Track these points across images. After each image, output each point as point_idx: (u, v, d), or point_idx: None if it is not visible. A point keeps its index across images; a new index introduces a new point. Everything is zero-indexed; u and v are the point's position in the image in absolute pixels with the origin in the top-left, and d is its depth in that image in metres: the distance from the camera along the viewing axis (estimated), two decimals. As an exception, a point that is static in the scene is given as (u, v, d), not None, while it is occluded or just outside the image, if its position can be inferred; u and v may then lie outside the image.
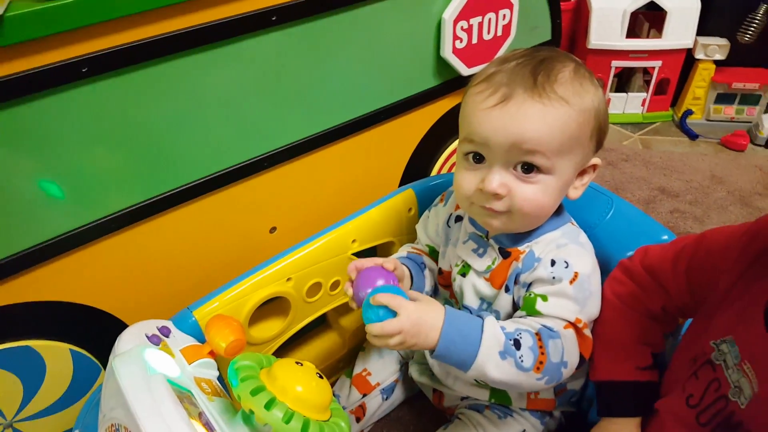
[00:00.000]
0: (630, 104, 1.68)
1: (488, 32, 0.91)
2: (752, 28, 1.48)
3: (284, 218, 0.89)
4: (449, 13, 0.86)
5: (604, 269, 0.70)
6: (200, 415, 0.53)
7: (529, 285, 0.66)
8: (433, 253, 0.82)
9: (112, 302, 0.76)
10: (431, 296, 0.77)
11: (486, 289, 0.70)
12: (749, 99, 1.64)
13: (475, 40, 0.90)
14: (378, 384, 0.88)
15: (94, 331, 0.76)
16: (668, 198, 1.38)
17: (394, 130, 0.95)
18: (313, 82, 0.82)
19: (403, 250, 0.84)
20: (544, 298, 0.64)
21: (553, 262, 0.65)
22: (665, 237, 0.74)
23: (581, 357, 0.65)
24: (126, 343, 0.59)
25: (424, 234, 0.83)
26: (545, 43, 1.04)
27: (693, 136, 1.62)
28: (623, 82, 1.71)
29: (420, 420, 0.89)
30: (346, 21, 0.80)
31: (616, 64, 1.60)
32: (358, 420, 0.85)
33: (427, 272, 0.80)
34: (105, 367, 0.78)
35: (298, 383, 0.56)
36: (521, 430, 0.75)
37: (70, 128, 0.64)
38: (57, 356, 0.73)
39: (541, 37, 1.04)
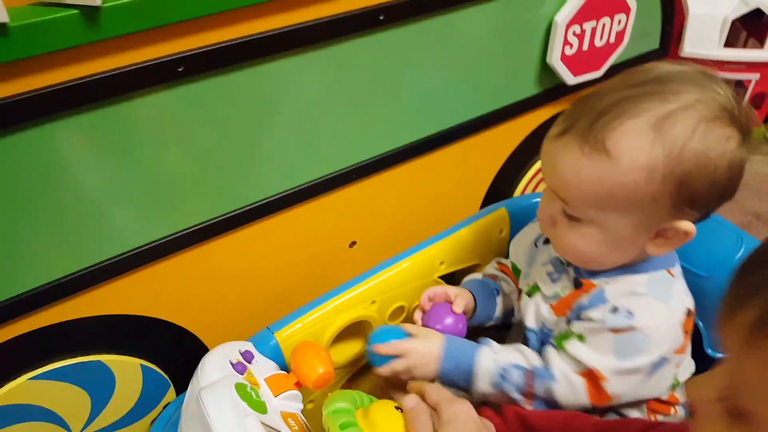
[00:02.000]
0: (718, 118, 1.57)
1: (600, 38, 0.83)
2: None
3: (365, 233, 0.84)
4: (563, 16, 0.78)
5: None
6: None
7: (580, 320, 0.60)
8: (515, 271, 0.75)
9: (186, 317, 0.72)
10: (503, 320, 0.75)
11: (547, 314, 0.64)
12: None
13: (585, 47, 0.82)
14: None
15: (166, 346, 0.72)
16: (764, 224, 1.27)
17: (482, 144, 0.88)
18: (407, 90, 0.75)
19: (487, 269, 0.79)
20: (581, 338, 0.58)
21: (615, 309, 0.57)
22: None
23: (593, 405, 0.58)
24: (210, 369, 0.54)
25: (514, 250, 0.76)
26: (653, 52, 0.95)
27: (787, 157, 1.50)
28: (711, 94, 1.60)
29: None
30: (447, 22, 0.73)
31: (708, 75, 1.49)
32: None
33: (499, 298, 0.75)
34: (173, 382, 0.74)
35: (395, 428, 0.51)
36: None
37: (155, 132, 0.59)
38: (127, 371, 0.69)
39: (650, 45, 0.95)
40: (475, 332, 0.71)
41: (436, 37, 0.74)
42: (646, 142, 0.51)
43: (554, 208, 0.58)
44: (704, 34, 1.42)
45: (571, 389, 0.58)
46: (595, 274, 0.61)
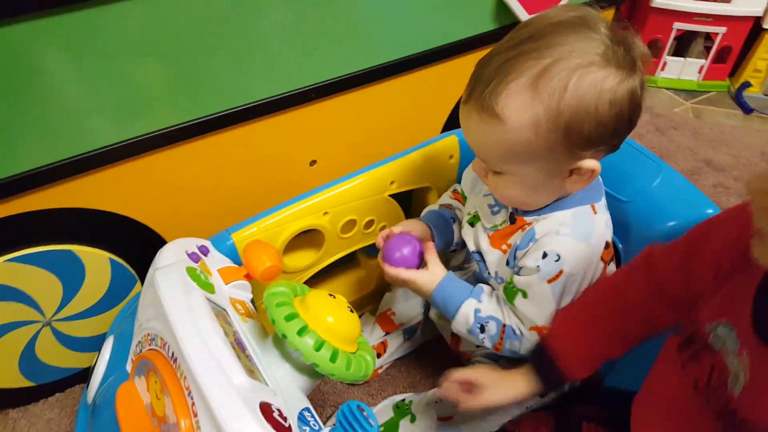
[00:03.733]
0: (686, 70, 1.62)
1: (554, -22, 0.87)
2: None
3: (325, 152, 0.89)
4: (516, -46, 0.81)
5: (646, 235, 0.69)
6: (234, 334, 0.54)
7: (519, 270, 0.67)
8: (465, 198, 0.82)
9: (153, 217, 0.78)
10: (463, 244, 0.79)
11: (484, 244, 0.72)
12: (813, 76, 1.56)
13: (539, -16, 0.86)
14: (401, 324, 0.89)
15: (134, 243, 0.78)
16: (713, 171, 1.34)
17: (443, 73, 0.93)
18: (367, 15, 0.79)
19: (443, 198, 0.85)
20: (524, 294, 0.66)
21: (545, 255, 0.64)
22: (710, 210, 0.72)
23: None
24: (166, 257, 0.60)
25: (464, 179, 0.82)
26: (611, -5, 0.99)
27: (747, 110, 1.55)
28: (683, 46, 1.63)
29: (438, 362, 0.91)
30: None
31: (678, 26, 1.52)
32: (378, 356, 0.88)
33: (455, 226, 0.82)
34: (141, 279, 0.81)
35: (330, 314, 0.57)
36: None
37: (125, 39, 0.64)
38: (96, 263, 0.75)
39: (608, -11, 0.99)
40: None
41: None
42: (527, 101, 0.56)
43: (482, 163, 0.65)
44: (676, -16, 1.45)
45: (531, 343, 0.67)
46: (527, 212, 0.68)
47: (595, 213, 0.66)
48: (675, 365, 0.53)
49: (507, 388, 0.66)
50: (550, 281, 0.64)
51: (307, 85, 0.79)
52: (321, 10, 0.75)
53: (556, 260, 0.63)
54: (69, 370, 0.84)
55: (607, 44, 0.57)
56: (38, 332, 0.77)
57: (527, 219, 0.68)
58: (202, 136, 0.74)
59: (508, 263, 0.69)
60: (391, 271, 0.72)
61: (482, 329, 0.68)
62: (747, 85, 1.59)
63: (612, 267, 0.70)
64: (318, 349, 0.53)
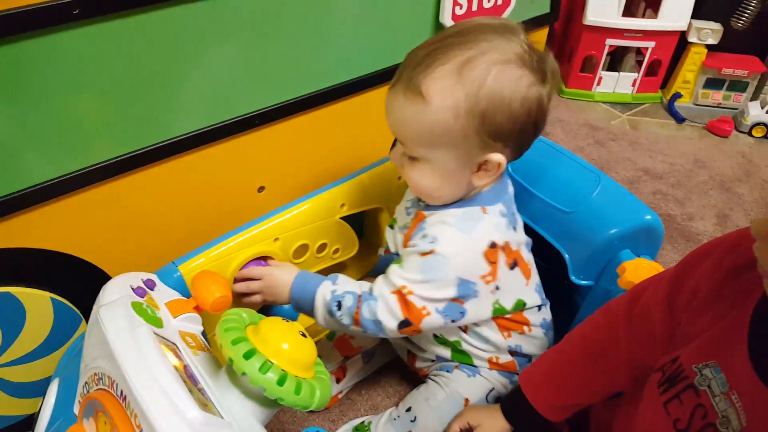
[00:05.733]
0: (621, 84, 1.69)
1: (488, 0, 0.90)
2: (746, 14, 1.48)
3: (273, 178, 0.89)
4: (450, -22, 0.84)
5: (590, 243, 0.71)
6: (185, 368, 0.53)
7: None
8: None
9: (95, 253, 0.75)
10: None
11: (399, 242, 0.75)
12: (737, 86, 1.65)
13: (475, 8, 0.89)
14: (360, 347, 0.89)
15: (76, 281, 0.75)
16: (652, 179, 1.39)
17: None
18: (309, 41, 0.80)
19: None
20: (399, 263, 0.69)
21: (424, 236, 0.68)
22: (648, 217, 0.75)
23: (409, 320, 0.67)
24: (111, 293, 0.58)
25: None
26: (544, 15, 1.03)
27: (680, 120, 1.63)
28: (616, 61, 1.71)
29: (399, 382, 0.91)
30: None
31: (611, 42, 1.59)
32: (338, 381, 0.87)
33: None
34: (85, 317, 0.78)
35: (283, 340, 0.56)
36: (490, 387, 0.78)
37: (57, 73, 0.62)
38: (37, 304, 0.72)
39: (540, 10, 1.03)
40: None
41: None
42: (450, 85, 0.61)
43: (398, 152, 0.69)
44: (605, 3, 1.52)
45: (386, 306, 0.67)
46: (428, 207, 0.72)
47: (485, 213, 0.70)
48: (657, 403, 0.53)
49: (494, 423, 0.69)
50: (422, 255, 0.67)
51: (251, 112, 0.79)
52: (263, 36, 0.75)
53: (431, 242, 0.67)
54: (12, 418, 0.80)
55: (525, 49, 0.63)
56: (-23, 381, 0.73)
57: (426, 213, 0.71)
58: (144, 168, 0.73)
59: None
60: (245, 271, 0.74)
61: (339, 306, 0.69)
62: (678, 96, 1.67)
63: (505, 270, 0.70)
64: (265, 371, 0.52)
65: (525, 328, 0.76)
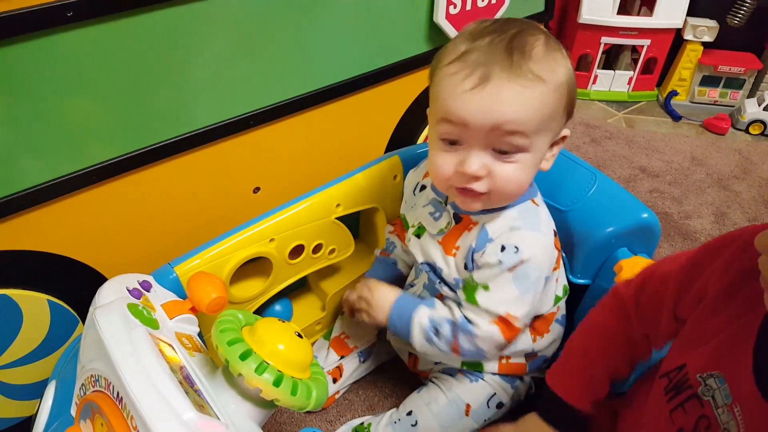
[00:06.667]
0: (616, 82, 1.69)
1: (482, 0, 0.90)
2: (742, 12, 1.48)
3: (268, 179, 0.89)
4: (444, -24, 0.84)
5: (586, 241, 0.71)
6: (181, 369, 0.53)
7: (479, 268, 0.68)
8: (405, 223, 0.83)
9: (91, 255, 0.75)
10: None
11: (437, 252, 0.73)
12: (734, 83, 1.65)
13: (469, 7, 0.89)
14: (356, 347, 0.89)
15: (73, 283, 0.75)
16: (648, 177, 1.39)
17: (382, 95, 0.94)
18: (303, 42, 0.80)
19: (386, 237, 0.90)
20: (486, 287, 0.67)
21: (503, 248, 0.66)
22: (645, 215, 0.75)
23: (509, 340, 0.69)
24: (107, 295, 0.58)
25: (402, 206, 0.85)
26: (538, 14, 1.03)
27: (676, 118, 1.63)
28: (611, 59, 1.71)
29: (396, 383, 0.91)
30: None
31: (606, 40, 1.60)
32: (334, 381, 0.87)
33: (400, 265, 0.88)
34: (82, 319, 0.78)
35: (279, 341, 0.56)
36: (492, 393, 0.77)
37: (52, 75, 0.62)
38: (34, 306, 0.72)
39: (534, 8, 1.03)
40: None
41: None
42: (551, 63, 0.61)
43: (483, 157, 0.62)
44: (600, 1, 1.52)
45: (490, 337, 0.68)
46: (478, 212, 0.69)
47: (537, 205, 0.70)
48: (663, 411, 0.52)
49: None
50: (511, 270, 0.65)
51: (245, 113, 0.79)
52: (258, 36, 0.75)
53: (515, 252, 0.65)
54: (9, 421, 0.80)
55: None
56: (-26, 384, 0.73)
57: (473, 218, 0.69)
58: (139, 169, 0.73)
59: (466, 266, 0.70)
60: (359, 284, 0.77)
61: (437, 332, 0.69)
62: (674, 93, 1.67)
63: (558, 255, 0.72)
64: (261, 372, 0.52)
65: (552, 325, 0.76)
